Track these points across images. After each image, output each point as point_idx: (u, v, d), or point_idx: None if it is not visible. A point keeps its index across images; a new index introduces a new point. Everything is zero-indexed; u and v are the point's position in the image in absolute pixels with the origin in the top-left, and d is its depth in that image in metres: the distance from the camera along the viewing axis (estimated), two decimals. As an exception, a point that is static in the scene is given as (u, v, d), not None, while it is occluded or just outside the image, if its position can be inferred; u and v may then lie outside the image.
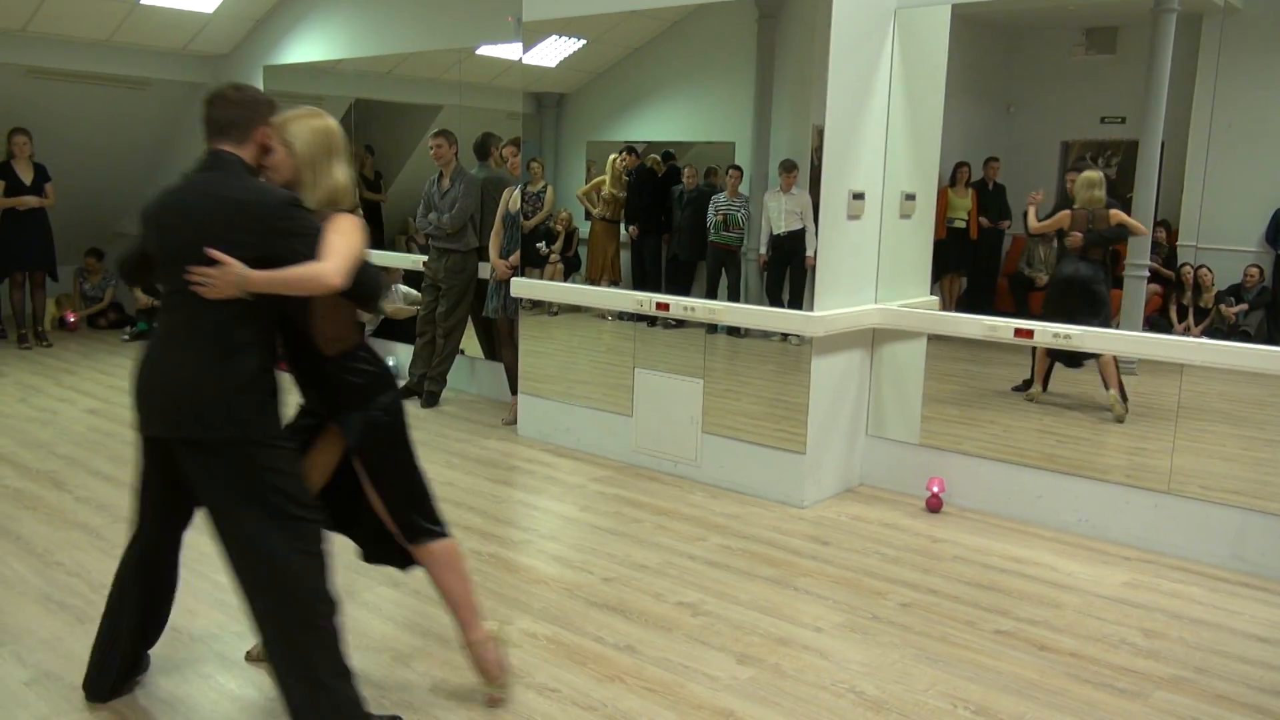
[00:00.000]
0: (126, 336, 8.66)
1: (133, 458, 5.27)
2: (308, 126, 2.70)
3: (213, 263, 2.45)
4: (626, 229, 6.02)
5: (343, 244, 2.56)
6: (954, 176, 6.64)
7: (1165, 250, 5.17)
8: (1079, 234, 4.89)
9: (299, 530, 2.59)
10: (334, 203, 2.69)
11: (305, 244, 2.52)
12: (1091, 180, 4.94)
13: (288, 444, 2.68)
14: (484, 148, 6.69)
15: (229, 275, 2.46)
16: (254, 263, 2.48)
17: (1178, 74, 5.21)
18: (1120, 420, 4.64)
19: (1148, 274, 5.02)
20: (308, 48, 7.97)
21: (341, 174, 2.72)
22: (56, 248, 8.23)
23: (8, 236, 7.94)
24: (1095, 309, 4.89)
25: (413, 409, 6.52)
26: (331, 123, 2.76)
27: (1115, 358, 4.65)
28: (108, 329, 9.10)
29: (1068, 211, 5.01)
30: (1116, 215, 4.87)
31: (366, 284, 2.65)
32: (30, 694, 2.91)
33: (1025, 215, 5.39)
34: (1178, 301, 5.08)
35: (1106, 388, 4.68)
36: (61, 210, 8.27)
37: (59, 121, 8.46)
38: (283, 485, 2.58)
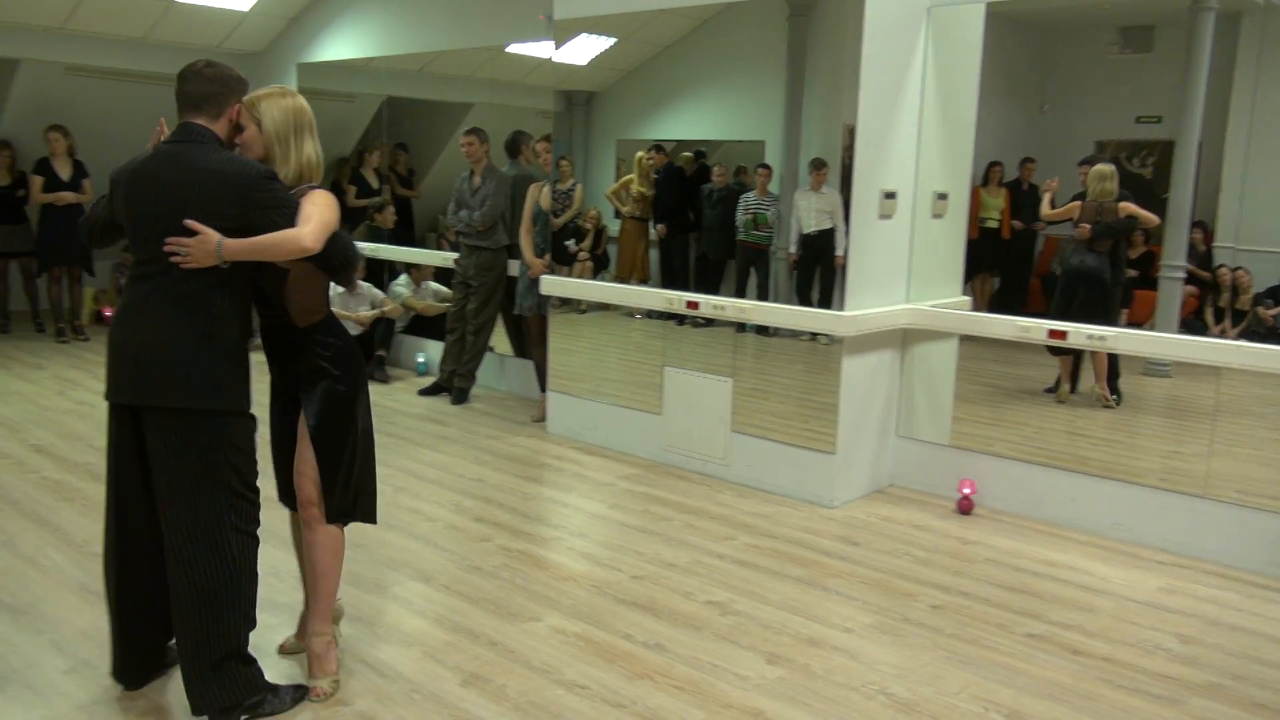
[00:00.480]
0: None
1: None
2: (277, 105, 2.77)
3: (190, 233, 2.53)
4: (655, 227, 6.02)
5: (318, 213, 2.65)
6: (987, 176, 6.58)
7: (1202, 252, 5.10)
8: (1087, 225, 4.86)
9: (243, 509, 2.71)
10: (305, 178, 2.78)
11: (282, 215, 2.61)
12: (1103, 173, 4.92)
13: (252, 420, 2.77)
14: (515, 145, 6.71)
15: (207, 245, 2.54)
16: (230, 233, 2.56)
17: (1215, 73, 5.14)
18: (1110, 408, 4.68)
19: (1184, 276, 4.96)
20: (341, 46, 8.03)
21: (311, 150, 2.80)
22: (94, 243, 8.32)
23: (46, 232, 8.06)
24: (1100, 302, 4.86)
25: (442, 405, 6.55)
26: (301, 101, 2.83)
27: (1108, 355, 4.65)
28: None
29: (1078, 202, 4.99)
30: (1126, 207, 4.85)
31: (339, 253, 2.73)
32: (69, 682, 2.94)
33: (1039, 203, 5.38)
34: (1214, 303, 5.01)
35: (1096, 379, 4.69)
36: (99, 206, 8.37)
37: (97, 119, 8.57)
38: (238, 463, 2.70)
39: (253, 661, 2.77)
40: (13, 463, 5.00)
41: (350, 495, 2.93)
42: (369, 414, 2.98)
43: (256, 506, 2.78)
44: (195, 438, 2.62)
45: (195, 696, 2.66)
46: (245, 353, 2.74)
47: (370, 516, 3.02)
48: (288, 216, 2.61)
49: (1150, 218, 4.85)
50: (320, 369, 2.85)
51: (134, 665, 2.91)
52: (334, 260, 2.72)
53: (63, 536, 4.07)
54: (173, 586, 2.67)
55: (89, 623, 3.31)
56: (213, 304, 2.63)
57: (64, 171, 8.01)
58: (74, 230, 8.07)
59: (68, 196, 7.98)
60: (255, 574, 2.77)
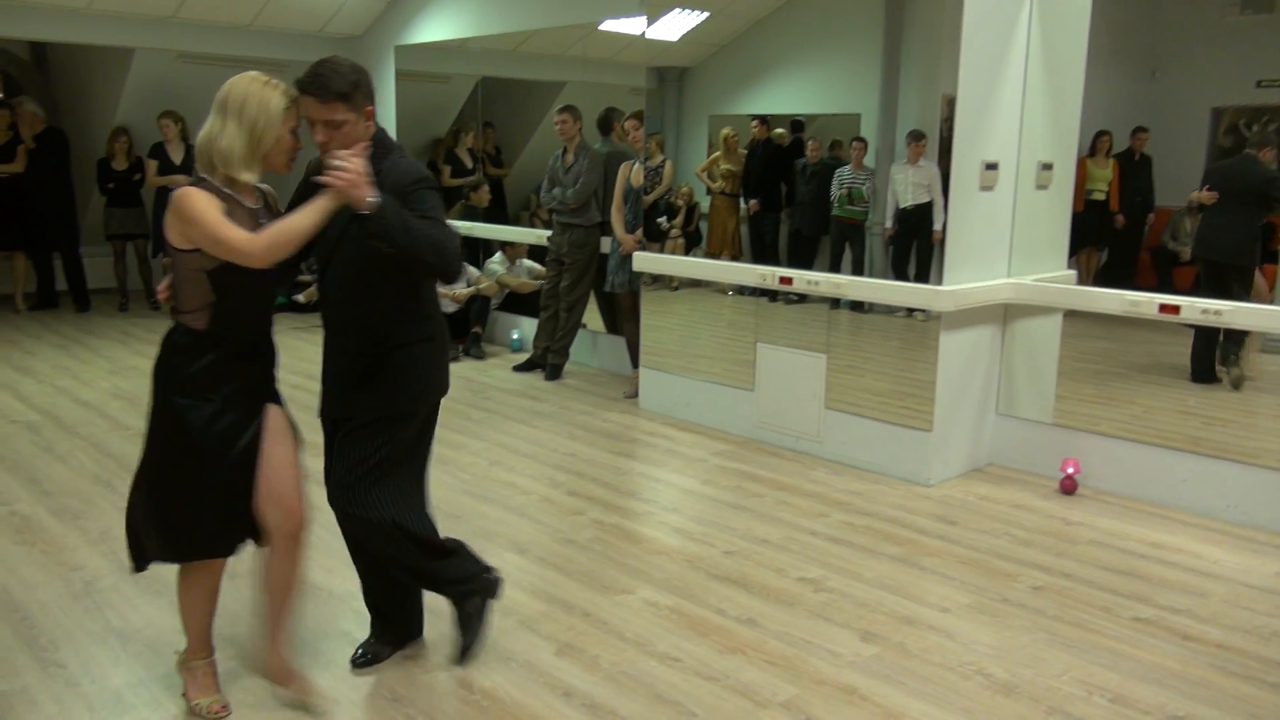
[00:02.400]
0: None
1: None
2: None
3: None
4: (746, 203, 5.96)
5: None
6: (1094, 146, 6.33)
7: (1327, 222, 4.83)
8: None
9: None
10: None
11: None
12: None
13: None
14: (606, 123, 6.72)
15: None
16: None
17: (1346, 31, 4.83)
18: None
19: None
20: (436, 27, 8.14)
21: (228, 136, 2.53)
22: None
23: (160, 215, 8.39)
24: None
25: (535, 381, 6.63)
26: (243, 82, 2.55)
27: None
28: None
29: None
30: None
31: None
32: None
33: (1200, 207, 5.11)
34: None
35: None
36: (209, 189, 8.70)
37: (207, 104, 8.83)
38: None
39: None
40: (133, 434, 5.24)
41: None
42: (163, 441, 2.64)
43: None
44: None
45: None
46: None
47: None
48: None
49: None
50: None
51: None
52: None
53: (178, 504, 4.25)
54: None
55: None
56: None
57: (176, 156, 8.33)
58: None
59: (181, 179, 8.24)
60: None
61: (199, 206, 2.43)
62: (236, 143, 2.49)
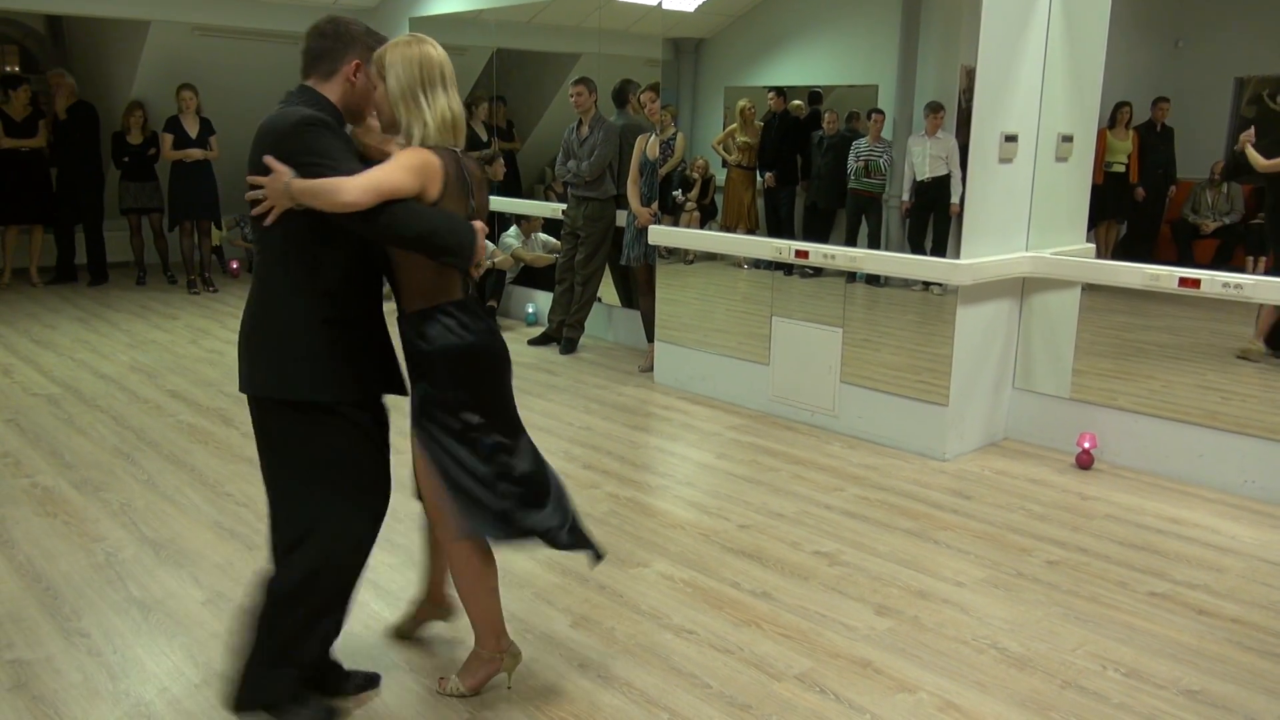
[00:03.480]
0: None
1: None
2: (400, 56, 2.40)
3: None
4: (762, 176, 5.92)
5: (381, 170, 2.27)
6: (1114, 118, 6.25)
7: (1353, 194, 4.75)
8: None
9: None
10: (448, 139, 2.45)
11: (324, 165, 2.24)
12: None
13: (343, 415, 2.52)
14: (622, 95, 6.67)
15: (277, 183, 2.25)
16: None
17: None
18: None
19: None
20: (451, -1, 8.09)
21: (445, 104, 2.43)
22: (221, 197, 8.68)
23: (176, 188, 8.41)
24: None
25: (550, 355, 6.63)
26: (429, 49, 2.43)
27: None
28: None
29: None
30: None
31: (401, 225, 2.29)
32: (206, 612, 3.11)
33: (1240, 155, 4.99)
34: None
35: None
36: (225, 162, 8.70)
37: (222, 76, 8.87)
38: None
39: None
40: (151, 407, 5.28)
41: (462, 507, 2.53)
42: (445, 430, 2.51)
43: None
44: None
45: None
46: (318, 336, 2.38)
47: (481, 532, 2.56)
48: (334, 167, 2.24)
49: None
50: (414, 367, 2.53)
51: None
52: (433, 249, 2.35)
53: (198, 476, 4.29)
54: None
55: (223, 557, 3.49)
56: (271, 280, 2.40)
57: (192, 129, 8.33)
58: (202, 185, 8.43)
59: (196, 153, 8.31)
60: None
61: None
62: (453, 106, 2.48)
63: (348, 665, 2.73)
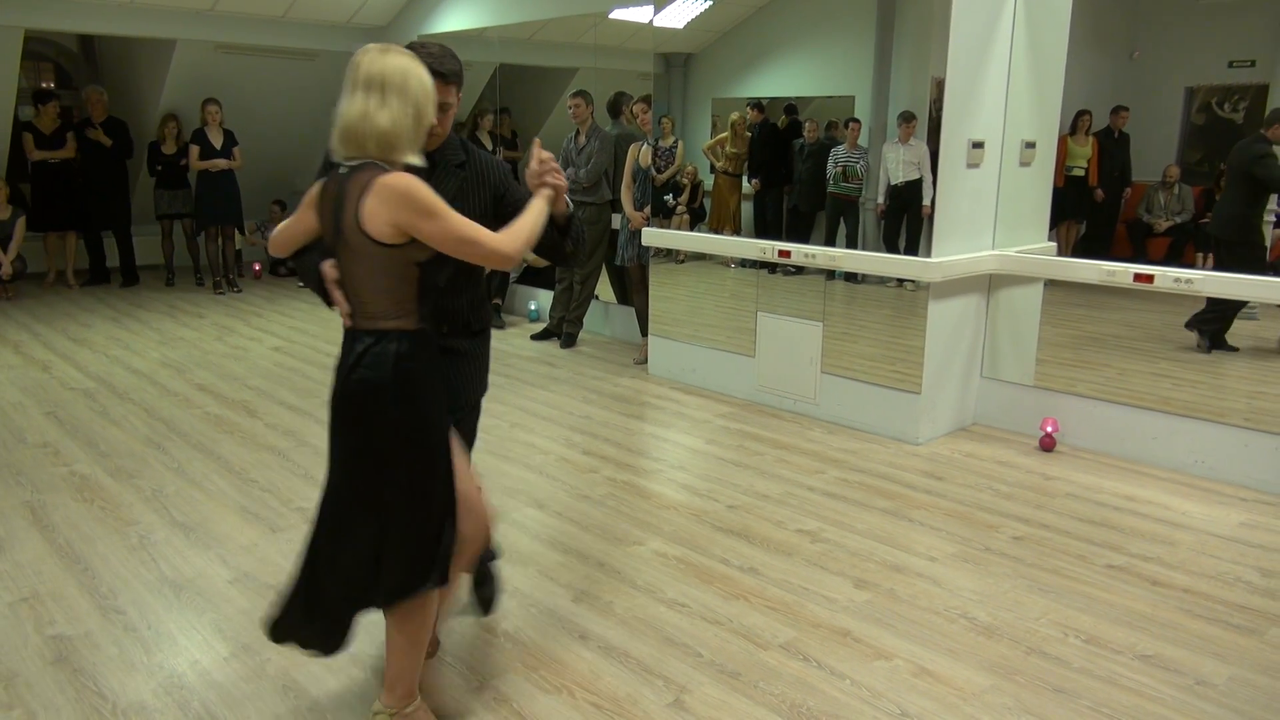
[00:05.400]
0: (302, 283, 9.05)
1: (313, 389, 5.53)
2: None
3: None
4: (749, 182, 5.93)
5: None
6: (1075, 125, 6.25)
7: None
8: None
9: None
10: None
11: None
12: None
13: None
14: (616, 106, 6.66)
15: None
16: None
17: (1314, 14, 4.73)
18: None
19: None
20: (457, 17, 8.06)
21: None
22: (244, 204, 8.65)
23: (202, 196, 8.39)
24: None
25: (552, 349, 6.63)
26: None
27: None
28: (287, 276, 9.54)
29: None
30: None
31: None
32: (233, 590, 3.12)
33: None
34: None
35: None
36: (248, 171, 8.68)
37: (244, 91, 8.84)
38: None
39: None
40: (180, 400, 5.27)
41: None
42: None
43: None
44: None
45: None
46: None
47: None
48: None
49: None
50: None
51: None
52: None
53: (224, 464, 4.28)
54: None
55: (249, 540, 3.49)
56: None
57: (216, 140, 8.30)
58: (227, 193, 8.41)
59: (220, 163, 8.28)
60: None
61: (433, 197, 2.04)
62: (403, 122, 2.06)
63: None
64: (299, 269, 2.31)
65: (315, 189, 2.20)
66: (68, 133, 8.31)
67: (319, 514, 2.23)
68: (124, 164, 8.57)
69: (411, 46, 2.26)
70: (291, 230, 2.27)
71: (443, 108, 2.30)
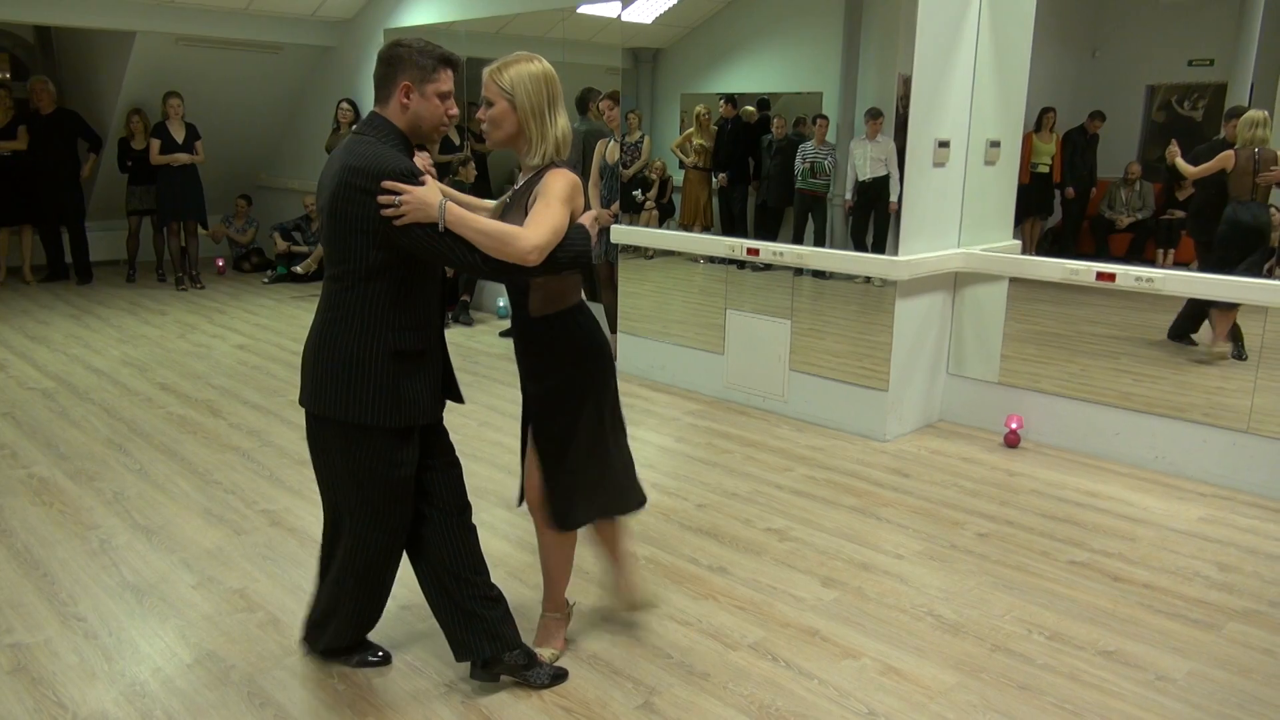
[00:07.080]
0: (267, 279, 8.95)
1: (278, 388, 5.45)
2: (528, 74, 2.37)
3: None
4: (717, 177, 5.93)
5: (550, 215, 2.26)
6: (1039, 122, 6.32)
7: (1252, 193, 4.85)
8: (1276, 171, 4.42)
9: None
10: (558, 155, 2.42)
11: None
12: (1255, 119, 4.54)
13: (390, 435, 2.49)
14: (584, 102, 6.63)
15: (430, 197, 2.18)
16: (376, 234, 2.20)
17: (1271, 13, 4.82)
18: (1241, 359, 4.31)
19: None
20: (425, 10, 7.98)
21: (564, 122, 2.42)
22: (207, 198, 8.52)
23: (164, 190, 8.24)
24: (1268, 253, 4.56)
25: (522, 345, 6.59)
26: (549, 67, 2.41)
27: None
28: (251, 272, 9.42)
29: (1230, 152, 4.60)
30: None
31: (567, 256, 2.32)
32: (197, 595, 3.07)
33: (1171, 166, 5.03)
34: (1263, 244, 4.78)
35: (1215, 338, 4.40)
36: (211, 165, 8.54)
37: (206, 84, 8.70)
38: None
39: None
40: (142, 399, 5.19)
41: (567, 499, 2.57)
42: (600, 418, 2.57)
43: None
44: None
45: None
46: (373, 364, 2.29)
47: (586, 517, 2.64)
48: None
49: None
50: (546, 366, 2.51)
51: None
52: (561, 264, 2.31)
53: (187, 465, 4.22)
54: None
55: (213, 543, 3.45)
56: (338, 307, 2.29)
57: (178, 134, 8.16)
58: (189, 188, 8.27)
59: (182, 157, 8.14)
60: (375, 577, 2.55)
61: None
62: (567, 123, 2.46)
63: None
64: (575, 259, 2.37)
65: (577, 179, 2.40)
66: (20, 125, 8.13)
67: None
68: (75, 156, 8.39)
69: (399, 43, 2.32)
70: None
71: (450, 96, 2.39)
